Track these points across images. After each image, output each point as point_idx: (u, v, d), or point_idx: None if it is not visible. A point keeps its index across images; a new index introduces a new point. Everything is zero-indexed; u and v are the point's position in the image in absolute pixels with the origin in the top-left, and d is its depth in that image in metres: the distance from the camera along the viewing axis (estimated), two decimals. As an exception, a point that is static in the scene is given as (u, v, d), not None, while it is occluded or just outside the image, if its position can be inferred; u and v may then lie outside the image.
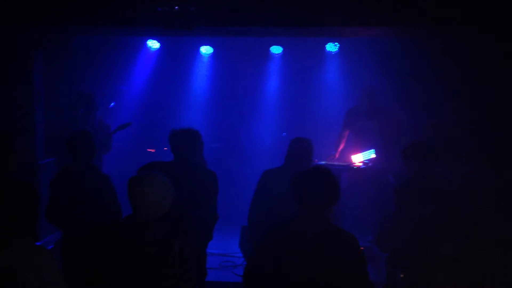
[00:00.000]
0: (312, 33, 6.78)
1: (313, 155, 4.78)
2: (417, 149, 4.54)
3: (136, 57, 8.30)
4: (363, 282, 3.07)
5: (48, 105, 6.77)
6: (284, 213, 3.37)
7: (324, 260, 3.00)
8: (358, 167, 6.59)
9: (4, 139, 4.17)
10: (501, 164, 5.77)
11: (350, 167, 6.63)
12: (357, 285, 3.06)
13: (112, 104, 7.63)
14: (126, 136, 7.42)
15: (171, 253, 2.96)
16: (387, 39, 7.26)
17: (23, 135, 6.13)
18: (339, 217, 5.93)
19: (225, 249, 6.21)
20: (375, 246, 5.77)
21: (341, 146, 7.02)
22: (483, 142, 6.24)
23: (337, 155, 6.96)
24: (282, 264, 3.04)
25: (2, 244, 2.67)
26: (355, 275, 3.04)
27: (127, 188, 3.06)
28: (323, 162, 6.59)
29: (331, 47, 8.11)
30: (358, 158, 6.66)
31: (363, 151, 6.71)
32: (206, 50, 8.45)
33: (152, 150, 7.88)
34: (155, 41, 8.20)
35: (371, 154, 6.67)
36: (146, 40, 8.15)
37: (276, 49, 8.30)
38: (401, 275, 4.62)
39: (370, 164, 6.60)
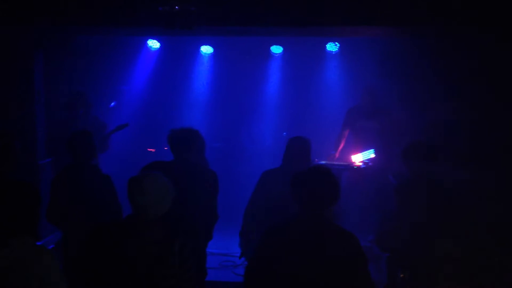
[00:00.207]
0: (312, 33, 6.78)
1: (312, 155, 4.76)
2: (417, 149, 4.54)
3: (136, 57, 8.29)
4: (364, 281, 3.07)
5: (48, 105, 6.77)
6: (283, 213, 3.37)
7: (324, 260, 3.00)
8: (359, 167, 6.59)
9: (4, 138, 4.17)
10: (501, 164, 5.78)
11: (350, 166, 6.63)
12: (358, 284, 3.06)
13: (113, 103, 7.63)
14: (127, 136, 7.41)
15: (171, 253, 2.96)
16: (387, 39, 7.26)
17: (24, 135, 6.13)
18: (339, 217, 5.95)
19: (225, 249, 6.21)
20: (375, 245, 5.77)
21: (341, 145, 7.02)
22: (483, 142, 6.24)
23: (337, 155, 6.96)
24: (282, 264, 3.04)
25: (2, 244, 2.67)
26: (356, 274, 3.05)
27: (127, 188, 3.07)
28: (323, 162, 6.59)
29: (332, 46, 8.10)
30: (357, 158, 6.67)
31: (363, 151, 6.71)
32: (206, 49, 8.44)
33: (153, 150, 7.89)
34: (155, 41, 8.19)
35: (370, 154, 6.67)
36: (147, 40, 8.15)
37: (276, 49, 8.29)
38: (402, 275, 4.62)
39: (370, 164, 6.61)
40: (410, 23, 5.77)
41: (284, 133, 7.85)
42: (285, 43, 8.22)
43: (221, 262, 6.07)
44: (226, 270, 5.91)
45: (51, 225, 4.64)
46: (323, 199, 3.12)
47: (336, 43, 8.06)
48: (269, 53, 8.35)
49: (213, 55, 8.47)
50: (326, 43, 8.07)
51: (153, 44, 8.22)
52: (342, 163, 6.72)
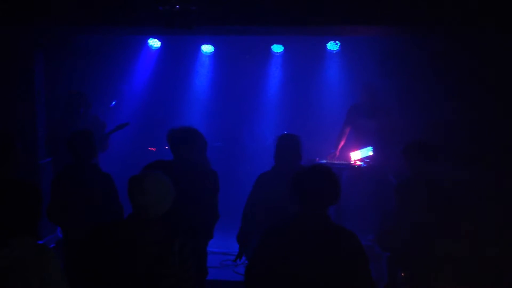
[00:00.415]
0: (312, 32, 6.78)
1: (309, 153, 4.74)
2: (417, 149, 4.55)
3: (137, 56, 8.28)
4: (365, 281, 3.07)
5: (48, 105, 6.77)
6: (282, 213, 3.37)
7: (325, 259, 3.00)
8: (359, 166, 6.59)
9: (4, 138, 4.17)
10: (501, 164, 5.79)
11: (351, 166, 6.63)
12: (358, 284, 3.06)
13: (113, 103, 7.63)
14: (127, 135, 7.42)
15: (171, 253, 2.96)
16: (387, 39, 7.26)
17: (24, 135, 6.13)
18: (340, 216, 5.97)
19: (226, 248, 6.20)
20: (376, 245, 5.78)
21: (342, 143, 7.02)
22: (483, 142, 6.24)
23: (337, 153, 6.96)
24: (283, 264, 3.04)
25: (2, 244, 2.68)
26: (357, 274, 3.04)
27: (128, 187, 3.07)
28: (324, 161, 6.59)
29: (332, 45, 8.10)
30: (356, 156, 6.67)
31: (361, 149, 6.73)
32: (207, 48, 8.44)
33: (153, 149, 7.89)
34: (156, 40, 8.18)
35: (368, 151, 6.68)
36: (147, 39, 8.14)
37: (277, 48, 8.28)
38: (402, 274, 4.63)
39: (371, 163, 6.61)
40: (410, 23, 5.77)
41: (285, 132, 7.83)
42: (286, 42, 8.21)
43: (222, 261, 6.06)
44: (227, 269, 5.91)
45: (52, 224, 4.65)
46: (323, 198, 3.12)
47: (337, 42, 8.06)
48: (270, 52, 8.34)
49: (214, 54, 8.46)
50: (327, 42, 8.07)
51: (154, 43, 8.21)
52: (342, 162, 6.72)
